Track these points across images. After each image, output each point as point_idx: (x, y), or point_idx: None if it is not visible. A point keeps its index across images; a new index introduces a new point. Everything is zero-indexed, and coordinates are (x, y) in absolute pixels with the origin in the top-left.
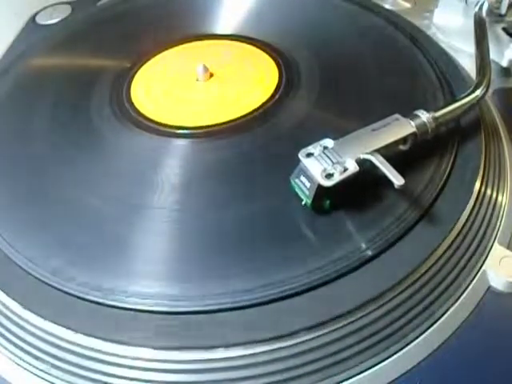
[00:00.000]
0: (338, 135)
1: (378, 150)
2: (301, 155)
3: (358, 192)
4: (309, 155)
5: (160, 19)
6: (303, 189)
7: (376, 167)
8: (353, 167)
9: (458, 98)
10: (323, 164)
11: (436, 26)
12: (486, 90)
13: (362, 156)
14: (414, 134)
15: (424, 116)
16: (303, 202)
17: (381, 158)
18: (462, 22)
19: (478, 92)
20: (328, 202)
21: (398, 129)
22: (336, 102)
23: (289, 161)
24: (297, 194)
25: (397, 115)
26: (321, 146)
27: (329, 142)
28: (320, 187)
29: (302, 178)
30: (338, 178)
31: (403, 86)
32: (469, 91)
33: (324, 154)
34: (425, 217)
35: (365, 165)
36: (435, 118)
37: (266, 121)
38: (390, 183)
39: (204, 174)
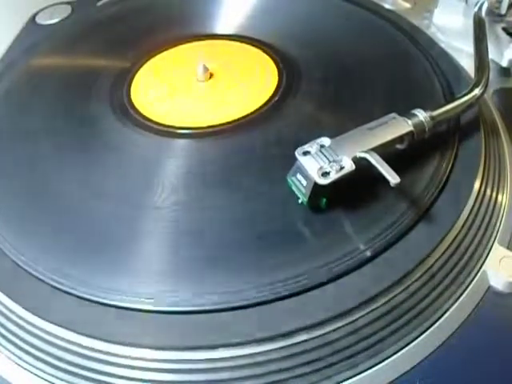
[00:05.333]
0: (337, 135)
1: (374, 149)
2: (297, 153)
3: (359, 192)
4: (305, 153)
5: (160, 19)
6: (300, 187)
7: (372, 166)
8: (349, 166)
9: (455, 97)
10: (320, 162)
11: (436, 25)
12: (485, 90)
13: (358, 154)
14: (410, 132)
15: (421, 115)
16: (300, 201)
17: (377, 157)
18: (461, 22)
19: (477, 91)
20: (324, 200)
21: (395, 127)
22: (336, 101)
23: (290, 160)
24: (293, 193)
25: (394, 114)
26: (317, 144)
27: (325, 141)
28: (316, 185)
29: (299, 176)
30: (334, 176)
31: (403, 85)
32: (467, 90)
33: (321, 152)
34: (424, 216)
35: (361, 163)
36: (432, 117)
37: (266, 121)
38: (387, 182)
39: (204, 174)
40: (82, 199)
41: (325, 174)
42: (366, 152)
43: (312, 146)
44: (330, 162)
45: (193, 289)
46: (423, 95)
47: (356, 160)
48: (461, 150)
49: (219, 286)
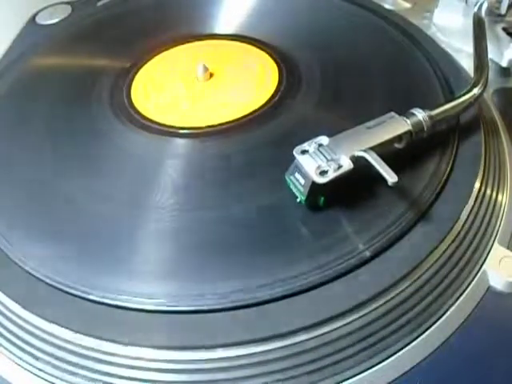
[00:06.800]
0: (336, 134)
1: (372, 148)
2: (296, 152)
3: (358, 191)
4: (304, 152)
5: (160, 19)
6: (298, 186)
7: (371, 165)
8: (347, 164)
9: (454, 96)
10: (318, 161)
11: (436, 25)
12: (484, 89)
13: (357, 153)
14: (409, 132)
15: (420, 114)
16: (298, 199)
17: (374, 156)
18: (461, 22)
19: (475, 91)
20: (322, 199)
21: (393, 127)
22: (336, 101)
23: (290, 160)
24: (292, 191)
25: (392, 113)
26: (316, 143)
27: (324, 140)
28: (314, 184)
29: (297, 175)
30: (332, 175)
31: (403, 85)
32: (466, 90)
33: (319, 151)
34: (424, 216)
35: (360, 162)
36: (431, 117)
37: (266, 121)
38: (385, 181)
39: (204, 174)
40: (82, 199)
41: (323, 173)
42: (364, 151)
43: (310, 145)
44: (328, 160)
45: (193, 289)
46: (422, 95)
47: (354, 159)
48: (461, 150)
49: (219, 286)
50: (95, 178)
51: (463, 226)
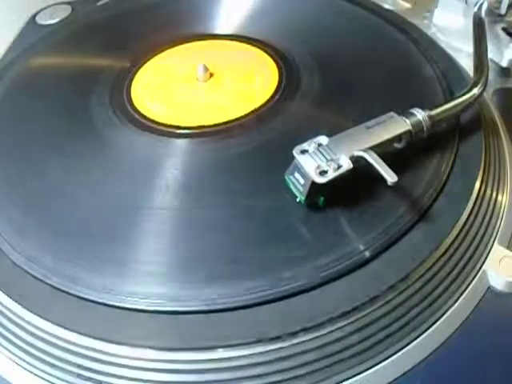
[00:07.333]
0: (336, 134)
1: (372, 148)
2: (295, 152)
3: (358, 191)
4: (303, 152)
5: (160, 19)
6: (297, 185)
7: (370, 165)
8: (347, 164)
9: (454, 96)
10: (317, 161)
11: (436, 25)
12: (483, 89)
13: (356, 153)
14: (408, 132)
15: (420, 114)
16: (297, 199)
17: (374, 155)
18: (461, 22)
19: (475, 91)
20: (322, 198)
21: (393, 127)
22: (335, 101)
23: (289, 160)
24: (291, 191)
25: (392, 113)
26: (315, 143)
27: (323, 139)
28: (314, 184)
29: (297, 175)
30: (331, 174)
31: (403, 85)
32: (465, 90)
33: (318, 150)
34: (424, 216)
35: (359, 162)
36: (431, 117)
37: (266, 121)
38: (384, 181)
39: (204, 174)
40: (82, 199)
41: (322, 173)
42: (363, 151)
43: (310, 145)
44: (327, 160)
45: (193, 290)
46: (422, 95)
47: (354, 159)
48: (461, 150)
49: (220, 285)
50: (94, 178)
51: (463, 226)
